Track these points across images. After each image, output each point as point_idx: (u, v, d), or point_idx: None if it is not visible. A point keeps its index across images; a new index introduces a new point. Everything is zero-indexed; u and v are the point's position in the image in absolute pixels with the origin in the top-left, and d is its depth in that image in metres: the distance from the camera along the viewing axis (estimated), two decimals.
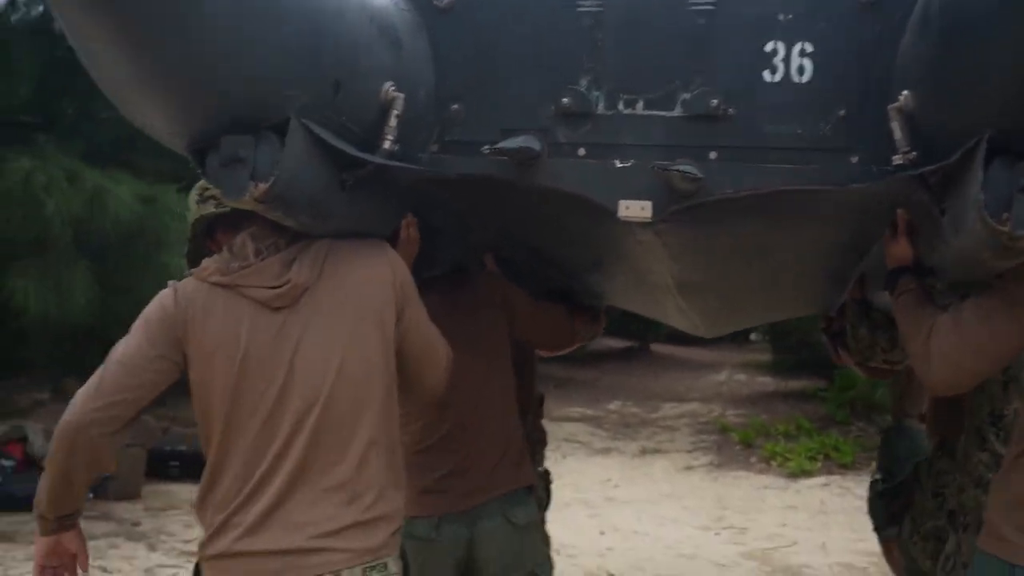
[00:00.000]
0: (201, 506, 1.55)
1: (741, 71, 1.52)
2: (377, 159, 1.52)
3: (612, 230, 1.74)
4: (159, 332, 1.52)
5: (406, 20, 1.61)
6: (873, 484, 3.23)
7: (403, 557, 1.64)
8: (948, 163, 1.29)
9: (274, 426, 1.51)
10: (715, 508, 5.88)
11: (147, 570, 4.42)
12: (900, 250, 1.65)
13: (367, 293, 1.59)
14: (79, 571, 1.60)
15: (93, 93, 5.55)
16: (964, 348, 1.44)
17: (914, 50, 1.35)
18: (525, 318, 2.25)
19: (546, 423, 3.06)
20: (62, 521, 1.57)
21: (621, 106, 1.59)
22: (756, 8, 1.51)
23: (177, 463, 5.85)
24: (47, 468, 1.53)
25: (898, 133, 1.36)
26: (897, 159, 1.37)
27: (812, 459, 7.05)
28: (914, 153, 1.35)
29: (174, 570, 4.40)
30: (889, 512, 2.78)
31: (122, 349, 1.52)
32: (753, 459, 7.58)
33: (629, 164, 1.59)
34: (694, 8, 1.54)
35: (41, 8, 5.82)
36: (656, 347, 15.39)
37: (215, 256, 1.60)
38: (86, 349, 5.72)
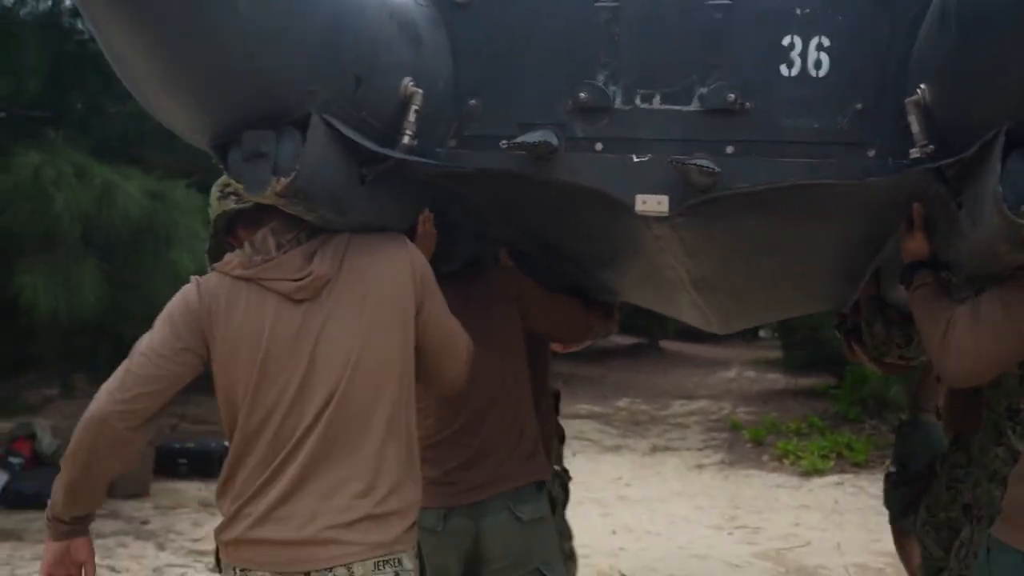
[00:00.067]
0: (221, 493, 1.59)
1: (758, 65, 1.55)
2: (396, 154, 1.55)
3: (628, 224, 1.77)
4: (183, 325, 1.56)
5: (425, 15, 1.64)
6: (888, 476, 3.27)
7: (419, 556, 1.66)
8: (966, 156, 1.31)
9: (294, 417, 1.55)
10: (727, 507, 5.90)
11: (156, 569, 4.46)
12: (916, 244, 1.67)
13: (387, 286, 1.62)
14: None
15: (102, 88, 5.61)
16: (982, 341, 1.47)
17: (931, 44, 1.37)
18: (539, 311, 2.28)
19: None
20: (76, 525, 1.59)
21: (638, 100, 1.62)
22: (773, 2, 1.54)
23: (186, 461, 5.91)
24: (65, 465, 1.55)
25: (916, 126, 1.38)
26: (914, 152, 1.40)
27: (825, 457, 7.05)
28: (931, 146, 1.38)
29: (183, 569, 4.44)
30: (904, 503, 2.81)
31: (147, 342, 1.56)
32: (765, 457, 7.59)
33: (646, 158, 1.62)
34: (711, 2, 1.57)
35: (50, 2, 5.88)
36: (665, 344, 15.42)
37: (236, 251, 1.64)
38: (95, 346, 5.78)
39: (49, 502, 1.59)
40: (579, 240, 2.29)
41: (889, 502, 3.16)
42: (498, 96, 1.68)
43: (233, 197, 1.69)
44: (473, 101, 1.69)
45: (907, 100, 1.39)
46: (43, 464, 5.61)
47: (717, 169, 1.54)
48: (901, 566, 3.60)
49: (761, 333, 14.51)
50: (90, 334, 5.48)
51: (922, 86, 1.37)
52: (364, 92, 1.48)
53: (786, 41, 1.53)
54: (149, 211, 5.35)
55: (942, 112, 1.36)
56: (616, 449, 7.94)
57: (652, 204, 1.62)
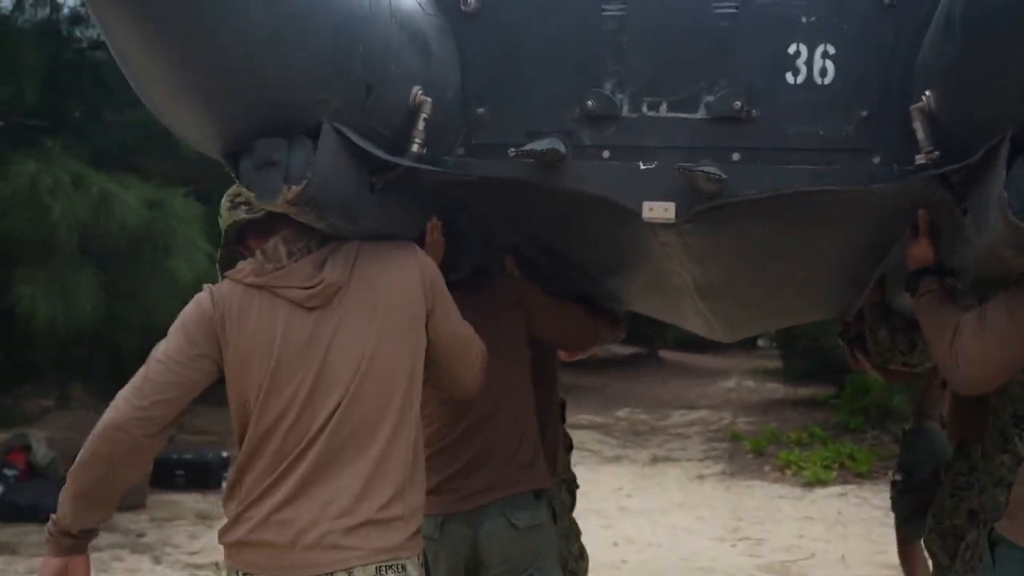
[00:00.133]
0: (228, 497, 1.62)
1: (764, 73, 1.57)
2: (405, 162, 1.58)
3: (635, 231, 1.80)
4: (198, 332, 1.59)
5: (433, 25, 1.67)
6: (894, 484, 3.30)
7: (425, 563, 1.68)
8: (971, 162, 1.34)
9: (304, 422, 1.58)
10: (730, 518, 5.91)
11: None
12: (921, 251, 1.70)
13: (397, 293, 1.65)
14: None
15: (100, 96, 5.66)
16: (989, 348, 1.49)
17: (936, 50, 1.40)
18: (545, 319, 2.30)
19: None
20: (81, 539, 1.60)
21: (645, 108, 1.64)
22: (779, 10, 1.56)
23: (183, 472, 5.91)
24: (77, 475, 1.56)
25: (921, 133, 1.41)
26: (920, 159, 1.42)
27: (827, 468, 7.07)
28: (937, 153, 1.40)
29: None
30: (910, 510, 2.83)
31: (163, 349, 1.59)
32: (766, 468, 7.61)
33: (653, 166, 1.64)
34: (717, 11, 1.59)
35: (48, 10, 5.92)
36: (664, 353, 15.45)
37: (248, 259, 1.67)
38: (92, 356, 5.80)
39: (53, 516, 1.59)
40: (585, 247, 2.31)
41: (896, 507, 3.19)
42: (506, 104, 1.70)
43: (244, 207, 1.71)
44: (481, 109, 1.72)
45: (912, 107, 1.42)
46: (38, 476, 5.60)
47: (724, 176, 1.57)
48: None
49: (760, 342, 14.55)
50: (87, 344, 5.49)
51: (927, 93, 1.40)
52: (374, 101, 1.51)
53: (792, 49, 1.55)
54: (147, 220, 5.39)
55: (947, 118, 1.39)
56: (616, 459, 7.95)
57: (659, 211, 1.65)
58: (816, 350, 9.49)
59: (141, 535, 5.21)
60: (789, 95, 1.56)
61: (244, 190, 1.69)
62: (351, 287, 1.62)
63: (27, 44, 5.46)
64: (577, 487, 2.89)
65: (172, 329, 1.62)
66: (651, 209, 1.65)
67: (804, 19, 1.55)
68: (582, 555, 2.83)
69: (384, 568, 1.55)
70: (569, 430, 2.95)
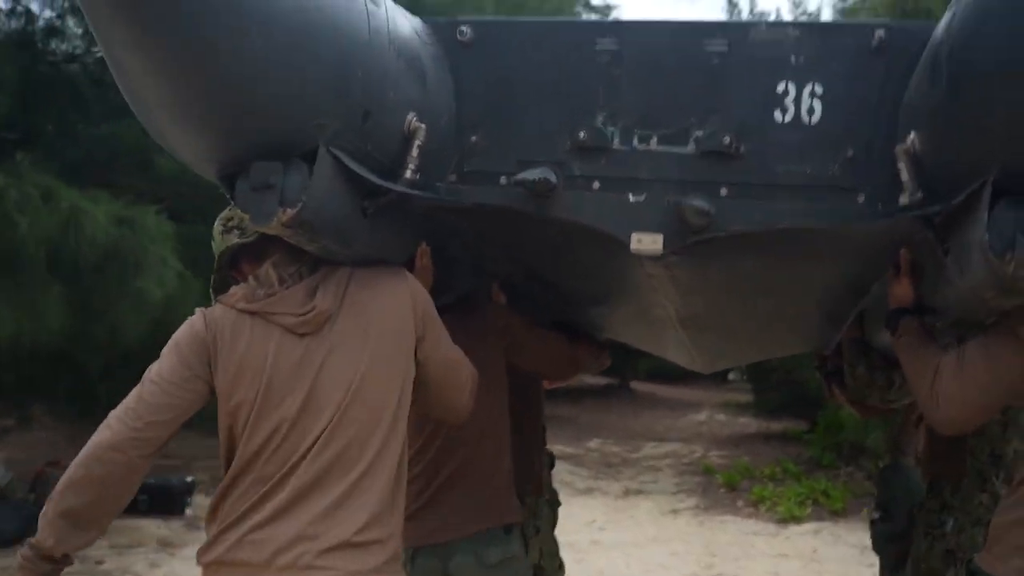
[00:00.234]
0: (209, 518, 1.64)
1: (753, 110, 1.63)
2: (399, 187, 1.61)
3: (623, 262, 1.84)
4: (191, 353, 1.61)
5: (429, 53, 1.71)
6: (872, 523, 3.34)
7: None
8: (953, 204, 1.40)
9: (289, 444, 1.60)
10: (703, 554, 5.92)
11: None
12: (902, 290, 1.75)
13: (388, 319, 1.68)
14: None
15: (73, 110, 5.61)
16: (967, 389, 1.54)
17: (921, 93, 1.46)
18: (528, 347, 2.34)
19: None
20: (60, 563, 1.58)
21: (636, 141, 1.69)
22: (768, 50, 1.62)
23: (146, 496, 5.79)
24: (66, 496, 1.55)
25: (905, 174, 1.46)
26: (904, 199, 1.48)
27: (801, 504, 7.10)
28: (920, 194, 1.46)
29: None
30: (899, 559, 2.86)
31: (156, 370, 1.61)
32: (739, 503, 7.64)
33: (642, 198, 1.69)
34: (708, 48, 1.65)
35: (23, 21, 5.89)
36: (636, 384, 15.52)
37: (241, 284, 1.69)
38: (57, 375, 5.70)
39: (30, 540, 1.58)
40: (572, 276, 2.35)
41: (878, 549, 3.23)
42: (499, 133, 1.75)
43: (236, 231, 1.73)
44: (474, 137, 1.76)
45: (897, 148, 1.48)
46: None
47: (712, 210, 1.61)
48: None
49: (730, 376, 14.69)
50: (52, 363, 5.40)
51: (912, 134, 1.46)
52: (371, 126, 1.54)
53: (780, 88, 1.61)
54: (117, 237, 5.33)
55: (931, 160, 1.44)
56: (589, 492, 7.94)
57: (647, 243, 1.69)
58: (789, 384, 9.59)
59: (100, 562, 5.10)
60: (777, 133, 1.62)
61: (236, 214, 1.73)
62: (342, 313, 1.65)
63: (0, 55, 5.42)
64: (559, 504, 2.93)
65: (165, 350, 1.64)
66: (639, 241, 1.69)
67: (793, 59, 1.61)
68: (560, 567, 2.86)
69: None
70: None
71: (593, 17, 10.51)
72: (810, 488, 7.46)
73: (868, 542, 3.41)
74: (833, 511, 7.05)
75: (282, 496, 1.57)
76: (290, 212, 1.45)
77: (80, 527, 1.56)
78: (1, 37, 5.80)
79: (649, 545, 6.09)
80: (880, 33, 1.56)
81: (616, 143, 1.70)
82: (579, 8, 9.83)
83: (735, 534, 6.55)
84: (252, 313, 1.64)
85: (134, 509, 5.83)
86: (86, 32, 6.01)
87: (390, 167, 1.62)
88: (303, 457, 1.59)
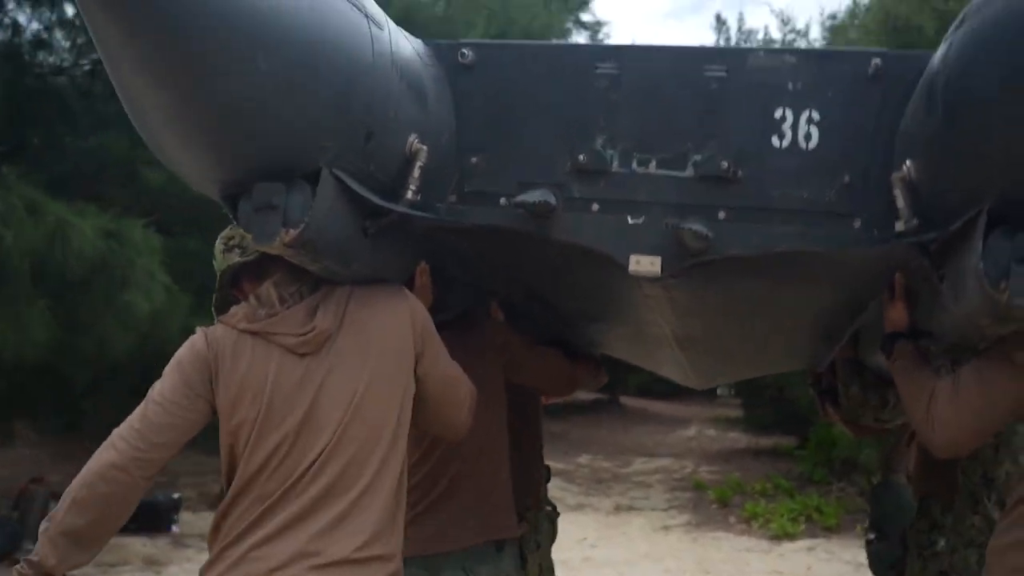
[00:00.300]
0: (212, 536, 1.66)
1: (751, 136, 1.66)
2: (400, 208, 1.64)
3: (620, 283, 1.87)
4: (194, 373, 1.64)
5: (431, 74, 1.74)
6: (868, 543, 3.37)
7: None
8: (949, 232, 1.43)
9: (289, 464, 1.62)
10: (696, 571, 5.94)
11: None
12: (897, 314, 1.79)
13: (388, 338, 1.70)
14: None
15: (60, 122, 5.63)
16: (962, 413, 1.58)
17: (918, 122, 1.50)
18: (527, 364, 2.36)
19: None
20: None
21: (635, 165, 1.72)
22: (767, 76, 1.66)
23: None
24: (70, 515, 1.56)
25: (901, 201, 1.50)
26: (899, 226, 1.52)
27: (794, 521, 7.12)
28: (916, 221, 1.50)
29: None
30: None
31: (159, 390, 1.63)
32: (732, 519, 7.67)
33: (641, 220, 1.72)
34: (708, 73, 1.69)
35: (9, 33, 5.89)
36: (625, 400, 15.56)
37: (242, 304, 1.72)
38: (42, 390, 5.67)
39: (28, 558, 1.58)
40: (569, 295, 2.38)
41: (875, 572, 3.26)
42: (499, 155, 1.77)
43: (237, 250, 1.75)
44: (474, 158, 1.78)
45: (893, 175, 1.51)
46: None
47: (711, 235, 1.64)
48: None
49: (719, 391, 14.75)
50: (36, 378, 5.37)
51: (908, 162, 1.49)
52: (373, 148, 1.57)
53: (778, 114, 1.65)
54: (104, 251, 5.33)
55: (927, 188, 1.48)
56: (579, 508, 7.96)
57: (645, 265, 1.72)
58: (779, 400, 9.66)
59: None
60: (774, 158, 1.65)
61: (238, 233, 1.75)
62: (342, 332, 1.68)
63: None
64: (558, 515, 2.95)
65: (168, 370, 1.66)
66: (638, 262, 1.72)
67: (791, 85, 1.65)
68: None
69: None
70: None
71: (583, 32, 10.62)
72: (803, 504, 7.49)
73: (863, 559, 3.44)
74: (826, 527, 7.08)
75: (283, 514, 1.60)
76: (293, 232, 1.46)
77: (81, 545, 1.58)
78: None
79: (642, 562, 6.10)
80: (877, 61, 1.60)
81: (615, 166, 1.73)
82: (569, 24, 9.92)
83: (728, 551, 6.57)
84: (253, 333, 1.66)
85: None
86: (74, 44, 6.03)
87: (391, 187, 1.64)
88: (303, 475, 1.61)
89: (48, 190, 5.40)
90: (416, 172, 1.65)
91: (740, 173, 1.67)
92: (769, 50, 1.70)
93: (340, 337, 1.67)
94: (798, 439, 9.90)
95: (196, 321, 6.07)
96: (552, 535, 2.86)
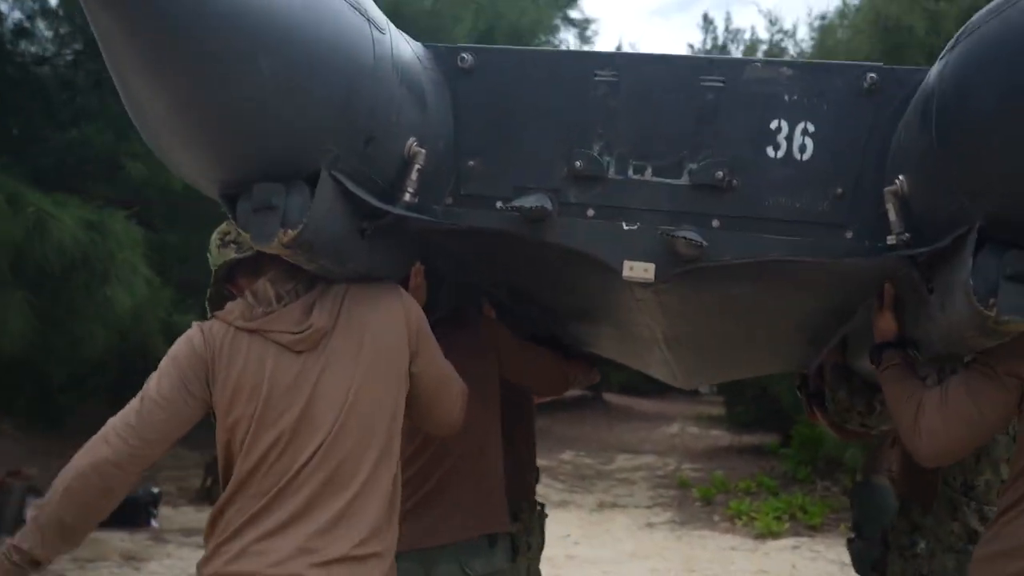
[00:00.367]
0: (208, 532, 1.69)
1: (746, 146, 1.70)
2: (397, 210, 1.66)
3: (612, 287, 1.90)
4: (190, 370, 1.67)
5: (429, 78, 1.76)
6: (849, 541, 3.43)
7: None
8: (939, 247, 1.47)
9: (287, 460, 1.65)
10: (682, 571, 5.98)
11: None
12: (886, 324, 1.83)
13: (383, 335, 1.74)
14: None
15: (41, 113, 5.60)
16: (950, 424, 1.62)
17: (911, 138, 1.54)
18: (518, 362, 2.40)
19: None
20: (41, 565, 1.62)
21: (631, 172, 1.75)
22: (763, 87, 1.70)
23: None
24: (60, 506, 1.59)
25: (893, 215, 1.54)
26: (891, 239, 1.56)
27: (779, 519, 7.18)
28: (907, 235, 1.54)
29: None
30: None
31: (155, 386, 1.65)
32: (716, 517, 7.74)
33: (635, 227, 1.75)
34: (704, 83, 1.72)
35: None
36: (608, 396, 15.64)
37: (238, 300, 1.74)
38: (20, 385, 5.63)
39: (15, 544, 1.60)
40: (561, 296, 2.42)
41: (859, 571, 3.32)
42: (496, 159, 1.80)
43: (233, 246, 1.77)
44: (471, 162, 1.81)
45: (886, 190, 1.55)
46: None
47: (704, 243, 1.68)
48: None
49: (702, 389, 14.87)
50: (14, 372, 5.34)
51: (900, 177, 1.53)
52: (372, 150, 1.59)
53: (773, 124, 1.69)
54: (85, 243, 5.29)
55: (919, 203, 1.52)
56: (563, 504, 8.01)
57: (639, 271, 1.76)
58: (762, 398, 9.76)
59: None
60: (769, 168, 1.69)
61: (234, 228, 1.77)
62: (338, 330, 1.71)
63: None
64: (546, 515, 2.97)
65: (164, 364, 1.68)
66: (631, 268, 1.76)
67: (786, 97, 1.68)
68: None
69: None
70: None
71: (572, 29, 10.64)
72: (787, 503, 7.56)
73: (847, 558, 3.51)
74: (811, 526, 7.16)
75: (281, 511, 1.63)
76: (291, 233, 1.48)
77: (67, 535, 1.62)
78: None
79: (626, 561, 6.15)
80: (872, 75, 1.64)
81: (611, 172, 1.76)
82: (557, 20, 9.94)
83: (714, 550, 6.63)
84: (250, 331, 1.69)
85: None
86: (56, 34, 5.98)
87: (389, 190, 1.67)
88: (300, 471, 1.64)
89: (28, 181, 5.36)
90: (414, 175, 1.67)
91: (735, 182, 1.70)
92: (766, 61, 1.74)
93: (336, 335, 1.70)
94: (781, 437, 10.00)
95: (178, 316, 6.07)
96: (542, 541, 2.90)
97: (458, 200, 1.82)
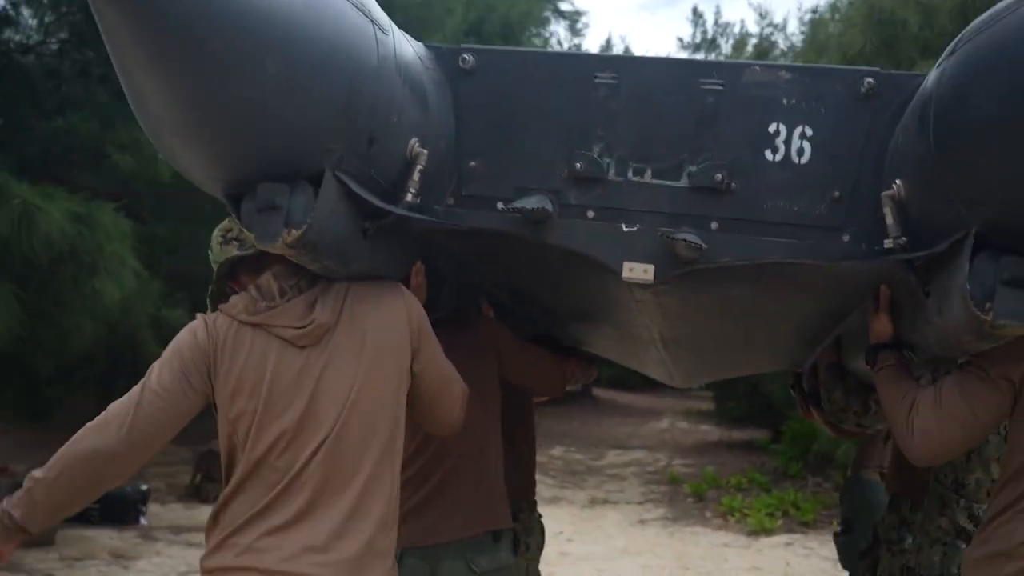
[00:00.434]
0: (210, 527, 1.72)
1: (745, 149, 1.73)
2: (399, 210, 1.69)
3: (611, 287, 1.94)
4: (191, 362, 1.70)
5: (431, 79, 1.79)
6: (835, 535, 3.51)
7: None
8: (936, 252, 1.51)
9: (291, 453, 1.69)
10: (676, 568, 6.02)
11: None
12: (881, 325, 1.88)
13: (384, 333, 1.77)
14: None
15: (27, 102, 5.59)
16: (944, 424, 1.67)
17: (908, 142, 1.58)
18: (517, 362, 2.43)
19: None
20: (29, 534, 1.67)
21: (630, 174, 1.79)
22: (762, 91, 1.73)
23: (97, 506, 5.72)
24: (55, 484, 1.63)
25: (890, 219, 1.58)
26: (888, 243, 1.60)
27: (771, 516, 7.22)
28: (904, 239, 1.58)
29: None
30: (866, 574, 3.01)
31: (156, 376, 1.69)
32: (708, 513, 7.81)
33: (635, 228, 1.79)
34: (704, 86, 1.76)
35: None
36: (597, 391, 15.71)
37: (241, 294, 1.77)
38: (8, 378, 5.62)
39: (8, 509, 1.64)
40: (560, 296, 2.45)
41: (844, 564, 3.39)
42: (497, 160, 1.83)
43: (235, 243, 1.80)
44: (473, 163, 1.84)
45: (883, 194, 1.59)
46: None
47: (704, 245, 1.72)
48: None
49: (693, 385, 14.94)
50: (2, 365, 5.33)
51: (897, 182, 1.57)
52: (375, 151, 1.62)
53: (772, 128, 1.72)
54: (72, 235, 5.28)
55: (916, 208, 1.56)
56: (555, 501, 8.06)
57: (638, 272, 1.79)
58: (752, 393, 9.84)
59: (49, 575, 5.06)
60: (767, 171, 1.73)
61: (235, 225, 1.80)
62: (340, 326, 1.74)
63: None
64: (540, 515, 3.03)
65: (167, 355, 1.72)
66: (631, 270, 1.79)
67: (785, 101, 1.72)
68: None
69: None
70: None
71: (562, 22, 10.67)
72: (780, 499, 7.61)
73: None
74: (803, 523, 7.21)
75: (286, 509, 1.66)
76: (295, 233, 1.51)
77: (58, 513, 1.68)
78: None
79: (619, 558, 6.20)
80: (869, 80, 1.68)
81: (611, 174, 1.79)
82: (548, 13, 9.96)
83: (706, 547, 6.68)
84: (253, 325, 1.72)
85: (85, 519, 5.78)
86: (41, 23, 5.95)
87: (391, 190, 1.70)
88: (304, 468, 1.68)
89: (14, 172, 5.34)
90: (416, 175, 1.70)
91: (733, 185, 1.74)
92: (765, 65, 1.77)
93: (338, 331, 1.73)
94: (771, 432, 10.09)
95: (166, 310, 6.06)
96: (541, 542, 2.94)
97: (459, 201, 1.85)
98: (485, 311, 2.42)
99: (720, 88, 1.75)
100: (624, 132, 1.79)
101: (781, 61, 12.13)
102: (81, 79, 5.98)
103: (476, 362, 2.23)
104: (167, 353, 1.72)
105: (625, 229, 1.79)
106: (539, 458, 9.41)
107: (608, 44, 16.68)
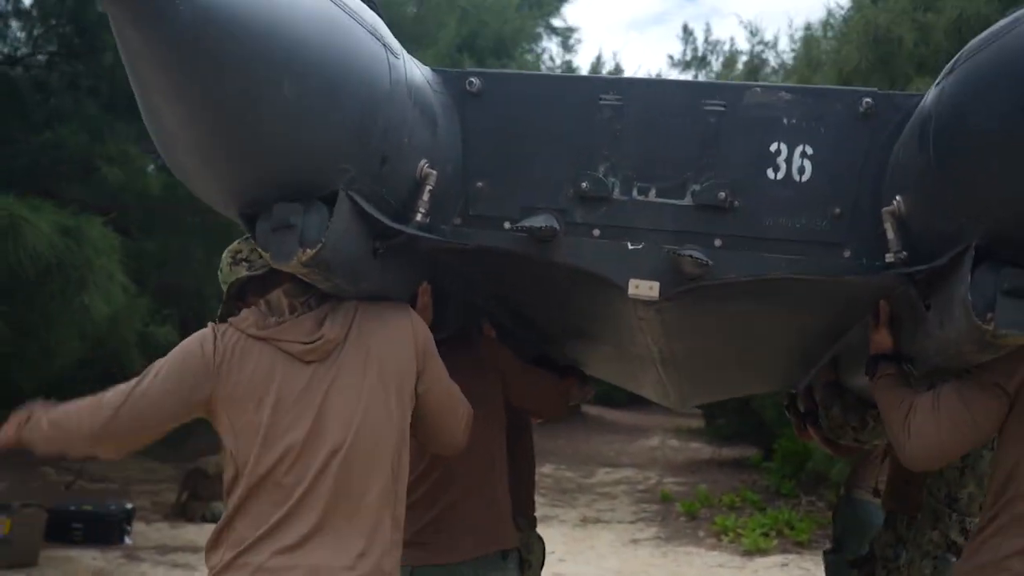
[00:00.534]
0: (214, 544, 1.75)
1: (747, 167, 1.80)
2: (410, 230, 1.75)
3: (616, 305, 2.00)
4: (195, 371, 1.75)
5: (440, 101, 1.86)
6: (824, 553, 3.58)
7: None
8: (937, 265, 1.58)
9: (298, 471, 1.73)
10: None
11: None
12: (881, 338, 1.95)
13: (390, 352, 1.82)
14: None
15: (13, 114, 5.65)
16: (942, 427, 1.74)
17: (908, 158, 1.64)
18: (519, 384, 2.49)
19: None
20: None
21: (635, 192, 1.85)
22: (763, 111, 1.80)
23: (81, 526, 5.70)
24: (59, 429, 1.75)
25: (890, 234, 1.65)
26: (889, 257, 1.66)
27: (766, 536, 7.23)
28: (904, 253, 1.64)
29: None
30: None
31: (154, 372, 1.76)
32: (701, 533, 7.84)
33: (640, 246, 1.85)
34: (707, 107, 1.83)
35: None
36: (586, 408, 15.74)
37: (252, 309, 1.83)
38: None
39: (23, 425, 1.75)
40: (565, 315, 2.51)
41: None
42: (504, 180, 1.90)
43: (245, 264, 1.86)
44: (480, 183, 1.91)
45: (884, 209, 1.66)
46: None
47: (710, 262, 1.79)
48: None
49: None
50: None
51: (898, 198, 1.64)
52: (387, 172, 1.68)
53: (773, 147, 1.79)
54: (60, 249, 5.30)
55: (916, 222, 1.63)
56: (546, 520, 8.07)
57: (644, 289, 1.85)
58: (742, 411, 9.90)
59: None
60: (769, 189, 1.80)
61: (245, 247, 1.85)
62: (348, 344, 1.79)
63: None
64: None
65: (170, 357, 1.78)
66: (637, 287, 1.86)
67: (786, 120, 1.79)
68: None
69: None
70: None
71: (555, 38, 10.81)
72: (774, 519, 7.62)
73: None
74: (798, 542, 7.22)
75: (294, 529, 1.70)
76: (309, 252, 1.57)
77: (56, 449, 1.78)
78: None
79: None
80: (868, 100, 1.76)
81: (616, 193, 1.85)
82: (540, 29, 10.08)
83: (701, 567, 6.67)
84: (261, 339, 1.77)
85: (68, 539, 5.75)
86: (30, 35, 5.99)
87: (401, 210, 1.76)
88: (312, 486, 1.71)
89: (1, 184, 5.36)
90: (426, 195, 1.76)
91: (736, 203, 1.80)
92: (766, 86, 1.85)
93: (346, 349, 1.79)
94: (762, 450, 10.15)
95: (154, 327, 6.07)
96: (542, 559, 2.99)
97: (467, 220, 1.92)
98: (487, 331, 2.47)
99: (722, 109, 1.82)
100: (629, 152, 1.85)
101: (772, 78, 12.31)
102: (70, 91, 6.02)
103: (479, 382, 2.28)
104: (173, 353, 1.79)
105: (630, 247, 1.86)
106: None
107: (599, 61, 16.85)
